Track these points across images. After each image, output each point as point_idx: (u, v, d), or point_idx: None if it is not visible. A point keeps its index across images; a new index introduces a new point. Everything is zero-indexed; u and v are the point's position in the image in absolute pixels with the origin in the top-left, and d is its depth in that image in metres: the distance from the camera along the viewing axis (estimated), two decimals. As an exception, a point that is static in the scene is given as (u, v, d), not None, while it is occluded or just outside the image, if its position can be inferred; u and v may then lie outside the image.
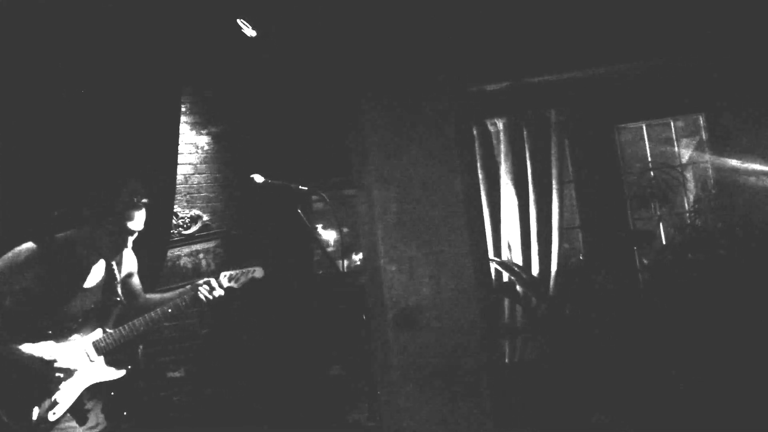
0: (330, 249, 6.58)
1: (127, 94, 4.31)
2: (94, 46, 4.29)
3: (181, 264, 5.26)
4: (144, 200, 2.66)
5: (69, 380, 2.62)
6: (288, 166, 5.57)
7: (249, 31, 4.97)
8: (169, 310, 2.81)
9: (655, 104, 5.27)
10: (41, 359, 2.53)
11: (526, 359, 4.51)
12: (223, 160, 5.66)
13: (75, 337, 2.66)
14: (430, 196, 2.73)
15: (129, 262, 2.92)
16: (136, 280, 2.96)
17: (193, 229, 5.37)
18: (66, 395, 2.60)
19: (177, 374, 4.83)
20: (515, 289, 4.65)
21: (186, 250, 5.32)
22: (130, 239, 2.65)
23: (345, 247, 5.97)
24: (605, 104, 5.31)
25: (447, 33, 2.99)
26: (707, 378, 3.96)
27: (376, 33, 3.03)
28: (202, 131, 5.57)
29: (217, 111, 5.63)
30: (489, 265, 4.62)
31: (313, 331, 5.51)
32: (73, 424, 2.61)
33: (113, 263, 2.78)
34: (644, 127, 5.50)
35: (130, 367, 2.75)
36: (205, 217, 5.46)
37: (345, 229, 6.31)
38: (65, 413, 2.60)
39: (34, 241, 2.56)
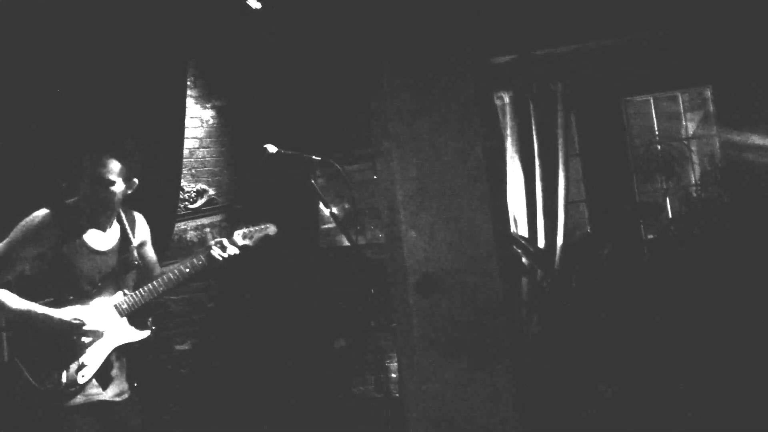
0: (329, 225, 6.59)
1: (133, 67, 4.29)
2: (101, 19, 4.26)
3: (188, 238, 5.28)
4: (114, 147, 2.67)
5: (95, 343, 2.65)
6: (291, 140, 5.55)
7: (254, 3, 4.94)
8: (186, 270, 2.83)
9: (662, 77, 5.23)
10: (67, 322, 2.56)
11: (531, 332, 4.55)
12: (228, 134, 5.65)
13: (96, 300, 2.68)
14: (450, 162, 2.73)
15: (142, 229, 2.94)
16: (150, 251, 2.98)
17: (199, 203, 5.38)
18: (93, 357, 2.64)
19: (184, 347, 4.87)
20: (521, 262, 4.67)
21: (192, 224, 5.33)
22: (117, 191, 2.66)
23: (350, 221, 5.97)
24: (612, 77, 5.28)
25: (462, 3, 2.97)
26: (711, 352, 3.99)
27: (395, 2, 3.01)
28: (207, 105, 5.55)
29: (221, 84, 5.60)
30: (510, 232, 4.63)
31: (318, 305, 5.54)
32: (99, 390, 2.64)
33: (127, 227, 2.80)
34: (651, 100, 5.47)
35: (154, 327, 2.78)
36: (211, 191, 5.46)
37: (347, 205, 6.31)
38: (93, 376, 2.63)
39: (47, 207, 2.60)
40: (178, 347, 4.83)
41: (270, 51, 5.60)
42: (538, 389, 3.60)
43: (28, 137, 4.16)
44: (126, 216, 2.84)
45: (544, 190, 5.07)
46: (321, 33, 5.26)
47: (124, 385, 2.77)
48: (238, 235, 3.01)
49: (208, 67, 5.50)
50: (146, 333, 2.80)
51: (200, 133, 5.52)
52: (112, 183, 2.64)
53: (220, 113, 5.62)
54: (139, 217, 2.93)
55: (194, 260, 2.86)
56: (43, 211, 2.60)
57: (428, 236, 2.68)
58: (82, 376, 2.60)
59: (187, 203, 5.32)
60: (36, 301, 2.58)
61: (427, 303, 2.70)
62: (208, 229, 5.38)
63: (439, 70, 2.89)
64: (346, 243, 6.18)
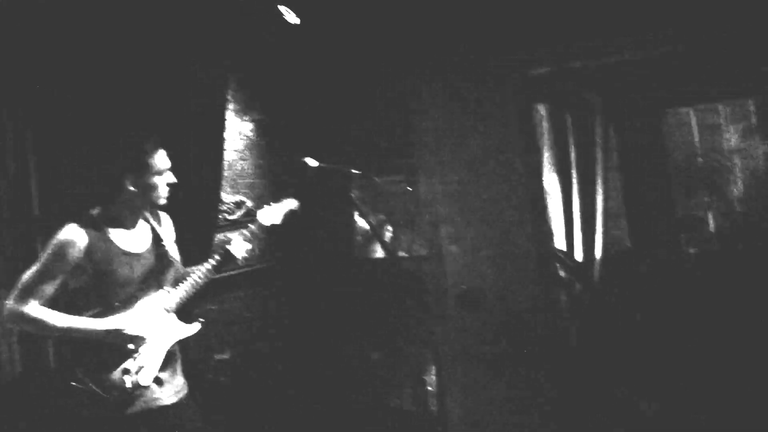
0: (363, 235, 6.61)
1: (176, 80, 4.38)
2: (141, 33, 4.37)
3: (211, 251, 5.34)
4: (154, 139, 2.74)
5: (149, 344, 2.70)
6: (326, 151, 5.60)
7: (292, 18, 5.00)
8: (217, 256, 2.87)
9: (703, 89, 5.16)
10: (113, 331, 2.61)
11: (569, 346, 4.50)
12: (266, 146, 5.72)
13: (141, 302, 2.73)
14: (492, 179, 2.74)
15: (169, 228, 2.98)
16: (174, 252, 3.00)
17: (238, 214, 5.45)
18: (151, 358, 2.69)
19: (224, 356, 4.92)
20: (558, 275, 4.64)
21: (230, 235, 5.40)
22: (163, 184, 2.72)
23: (385, 232, 5.99)
24: (651, 89, 5.23)
25: (501, 15, 2.98)
26: (758, 372, 3.90)
27: (432, 15, 3.03)
28: (245, 118, 5.63)
29: (260, 97, 5.68)
30: (552, 247, 4.61)
31: (354, 316, 5.56)
32: (159, 393, 2.70)
33: (156, 227, 2.86)
34: (692, 113, 5.41)
35: (203, 320, 2.83)
36: (249, 203, 5.53)
37: (381, 216, 6.32)
38: (154, 377, 2.69)
39: (73, 221, 2.65)
40: (217, 356, 4.89)
41: (307, 64, 5.67)
42: (577, 404, 3.56)
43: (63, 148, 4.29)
44: (152, 216, 2.89)
45: (581, 203, 5.03)
46: (359, 47, 5.31)
47: (180, 380, 2.82)
48: (262, 215, 3.03)
49: (248, 81, 5.59)
50: (197, 326, 2.85)
51: (239, 145, 5.60)
52: (170, 173, 2.74)
53: (258, 126, 5.70)
54: (165, 216, 2.97)
55: (224, 245, 2.92)
56: (69, 226, 2.64)
57: (470, 252, 2.68)
58: (145, 378, 2.65)
59: (225, 214, 5.40)
60: (84, 312, 2.63)
61: (468, 317, 2.70)
62: (245, 237, 5.44)
63: (480, 84, 2.90)
64: (380, 254, 6.22)
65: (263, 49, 5.43)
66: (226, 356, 4.97)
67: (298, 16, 4.93)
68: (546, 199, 5.01)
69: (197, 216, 3.05)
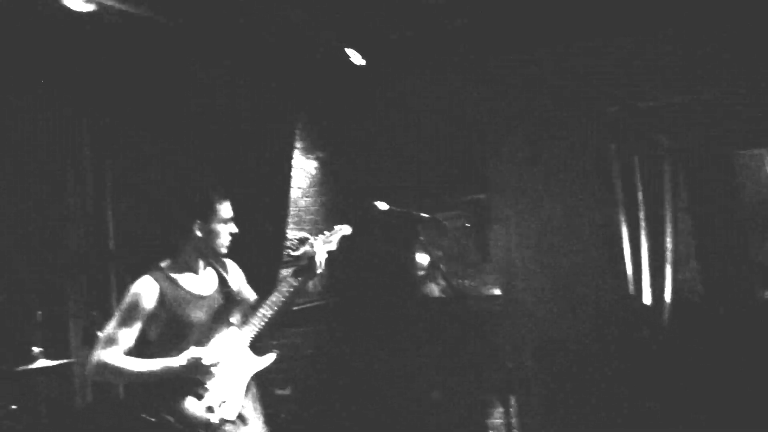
0: (422, 272, 6.60)
1: (246, 122, 4.53)
2: (216, 79, 4.54)
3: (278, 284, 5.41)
4: (221, 191, 2.84)
5: (227, 377, 2.78)
6: (386, 189, 5.65)
7: (357, 60, 5.11)
8: (285, 289, 2.97)
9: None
10: (194, 359, 2.68)
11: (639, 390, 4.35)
12: (330, 185, 5.82)
13: (213, 340, 2.82)
14: (568, 226, 2.71)
15: (236, 273, 3.09)
16: (249, 292, 3.11)
17: (301, 250, 5.51)
18: (231, 393, 2.77)
19: (284, 392, 4.96)
20: (629, 320, 4.51)
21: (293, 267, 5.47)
22: (226, 233, 2.82)
23: (445, 272, 5.96)
24: (722, 130, 5.10)
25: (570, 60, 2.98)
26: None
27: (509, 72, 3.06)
28: (311, 156, 5.75)
29: (324, 136, 5.79)
30: (628, 298, 4.50)
31: (415, 355, 5.52)
32: (241, 424, 2.76)
33: (222, 270, 2.97)
34: (766, 154, 5.24)
35: (277, 351, 2.88)
36: (313, 239, 5.60)
37: (441, 254, 6.30)
38: (237, 410, 2.76)
39: (146, 272, 2.81)
40: (278, 392, 4.92)
41: (374, 103, 5.77)
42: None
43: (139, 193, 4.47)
44: (217, 261, 3.00)
45: (650, 245, 4.90)
46: (423, 91, 5.38)
47: (258, 414, 2.88)
48: (317, 243, 3.11)
49: (313, 120, 5.72)
50: (272, 356, 2.93)
51: (303, 183, 5.71)
52: (233, 224, 2.86)
53: (323, 164, 5.81)
54: (230, 262, 3.08)
55: (290, 279, 3.02)
56: (142, 278, 2.79)
57: (543, 297, 2.65)
58: (230, 412, 2.72)
59: (290, 250, 5.47)
60: (161, 356, 2.72)
61: (546, 367, 2.66)
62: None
63: (556, 139, 2.90)
64: (437, 293, 6.19)
65: (328, 90, 5.56)
66: (286, 392, 5.00)
67: (364, 58, 5.05)
68: (620, 243, 4.91)
69: (263, 252, 3.14)
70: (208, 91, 4.47)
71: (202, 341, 2.78)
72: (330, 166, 5.83)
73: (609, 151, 5.14)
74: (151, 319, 2.74)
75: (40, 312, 3.81)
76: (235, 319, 2.93)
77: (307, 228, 5.62)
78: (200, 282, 2.89)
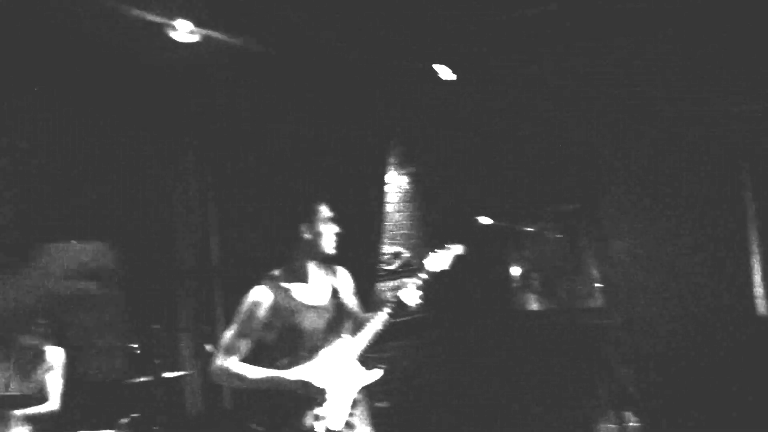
0: (518, 284, 6.51)
1: (340, 139, 4.67)
2: (310, 97, 4.70)
3: (385, 299, 5.48)
4: (320, 193, 2.91)
5: (336, 390, 2.84)
6: (476, 201, 5.63)
7: (447, 75, 5.15)
8: (393, 303, 2.99)
9: None
10: (300, 381, 2.79)
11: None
12: (423, 199, 5.87)
13: (324, 351, 2.89)
14: (691, 242, 2.64)
15: (345, 280, 3.13)
16: (354, 301, 3.15)
17: (395, 264, 5.59)
18: (339, 405, 2.84)
19: (383, 405, 5.00)
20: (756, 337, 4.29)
21: (389, 285, 5.55)
22: (330, 233, 2.90)
23: (541, 284, 5.87)
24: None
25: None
26: None
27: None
28: (402, 171, 5.83)
29: (416, 150, 5.86)
30: (756, 315, 4.24)
31: (515, 368, 5.46)
32: None
33: (333, 279, 3.03)
34: None
35: (384, 366, 2.94)
36: (406, 253, 5.67)
37: (536, 265, 6.20)
38: (344, 422, 2.83)
39: (261, 282, 2.91)
40: (377, 404, 4.98)
41: (466, 117, 5.79)
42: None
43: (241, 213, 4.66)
44: (329, 270, 3.07)
45: (762, 257, 4.64)
46: (515, 103, 5.35)
47: (367, 429, 2.95)
48: (429, 262, 3.12)
49: (405, 135, 5.80)
50: (379, 372, 2.97)
51: (396, 197, 5.79)
52: (334, 224, 2.95)
53: (415, 178, 5.87)
54: (341, 269, 3.13)
55: (397, 293, 3.00)
56: (257, 288, 2.90)
57: (662, 313, 2.57)
58: (336, 423, 2.80)
59: (384, 265, 5.56)
60: (275, 363, 2.84)
61: (665, 382, 2.57)
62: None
63: (676, 137, 2.81)
64: (534, 305, 6.08)
65: (419, 104, 5.63)
66: (385, 405, 5.05)
67: (454, 72, 5.09)
68: (749, 258, 4.68)
69: (358, 267, 3.21)
70: (304, 108, 4.64)
71: (314, 350, 2.86)
72: (422, 180, 5.88)
73: (738, 163, 4.91)
74: (266, 327, 2.85)
75: (157, 326, 4.05)
76: (345, 330, 2.98)
77: (401, 242, 5.68)
78: (312, 291, 2.96)
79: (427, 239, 5.75)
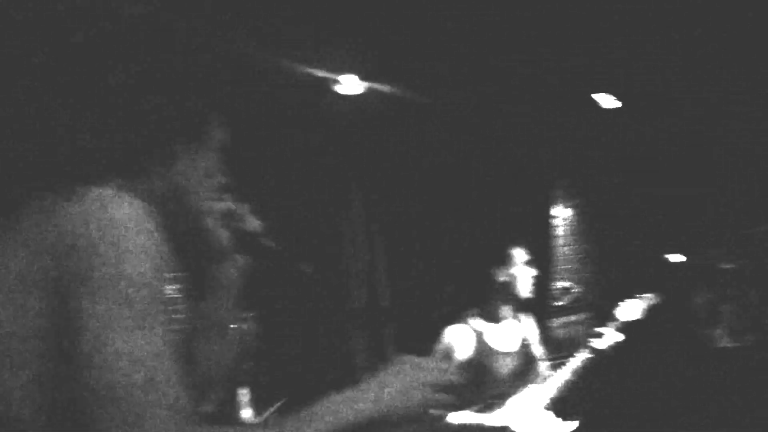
0: (706, 319, 6.05)
1: (501, 176, 4.66)
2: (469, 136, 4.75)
3: (555, 336, 5.34)
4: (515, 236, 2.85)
5: None
6: (650, 236, 5.34)
7: (609, 103, 4.98)
8: (587, 351, 2.90)
9: None
10: (505, 428, 2.75)
11: None
12: (590, 231, 5.67)
13: (512, 399, 2.85)
14: None
15: (532, 327, 3.11)
16: (537, 349, 3.09)
17: (565, 300, 5.43)
18: None
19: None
20: None
21: (558, 321, 5.40)
22: (525, 277, 2.86)
23: (734, 319, 5.42)
24: None
25: None
26: None
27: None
28: (568, 203, 5.68)
29: (580, 182, 5.70)
30: None
31: (704, 409, 5.06)
32: None
33: (522, 326, 3.00)
34: None
35: (580, 418, 2.85)
36: (576, 289, 5.49)
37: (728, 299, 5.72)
38: None
39: (457, 322, 2.95)
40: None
41: (625, 147, 5.56)
42: None
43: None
44: (518, 315, 3.04)
45: None
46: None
47: None
48: (621, 312, 2.98)
49: (567, 168, 5.66)
50: (573, 424, 2.87)
51: (561, 231, 5.64)
52: (529, 267, 2.95)
53: (581, 211, 5.69)
54: (527, 316, 3.11)
55: (589, 344, 2.91)
56: (455, 327, 2.92)
57: None
58: None
59: (552, 300, 5.42)
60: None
61: None
62: (573, 327, 5.38)
63: None
64: (725, 342, 5.60)
65: (579, 135, 5.49)
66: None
67: (618, 100, 4.92)
68: None
69: (534, 302, 3.15)
70: (465, 151, 4.70)
71: (500, 397, 2.83)
72: (589, 212, 5.70)
73: None
74: (460, 366, 2.83)
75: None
76: (534, 378, 2.93)
77: (569, 276, 5.52)
78: (504, 336, 2.94)
79: (598, 275, 5.54)
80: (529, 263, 2.94)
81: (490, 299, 2.93)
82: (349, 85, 4.19)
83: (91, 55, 0.95)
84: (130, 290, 0.82)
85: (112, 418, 0.77)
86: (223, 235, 1.16)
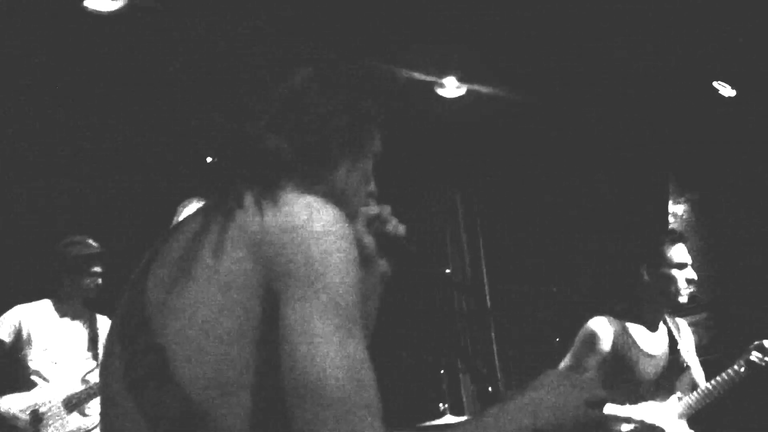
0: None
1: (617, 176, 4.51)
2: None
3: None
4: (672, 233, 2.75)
5: None
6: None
7: (727, 92, 4.72)
8: (726, 377, 2.72)
9: None
10: (641, 422, 2.63)
11: None
12: (705, 228, 5.39)
13: (648, 404, 2.70)
14: None
15: (687, 334, 2.92)
16: (694, 358, 2.90)
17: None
18: None
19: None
20: None
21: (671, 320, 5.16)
22: (682, 279, 2.71)
23: None
24: None
25: None
26: None
27: None
28: (680, 199, 5.42)
29: (694, 177, 5.43)
30: None
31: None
32: None
33: (674, 331, 2.83)
34: None
35: None
36: (692, 289, 5.23)
37: None
38: None
39: (603, 313, 2.75)
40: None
41: (745, 137, 5.25)
42: None
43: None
44: (671, 321, 2.86)
45: None
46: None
47: None
48: None
49: (680, 161, 5.41)
50: None
51: (674, 227, 5.39)
52: (690, 269, 2.76)
53: (694, 207, 5.42)
54: (683, 322, 2.92)
55: (736, 367, 2.72)
56: (598, 319, 2.71)
57: None
58: None
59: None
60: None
61: None
62: (691, 328, 5.13)
63: None
64: None
65: (696, 126, 5.24)
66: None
67: (734, 88, 4.66)
68: None
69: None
70: (576, 149, 4.57)
71: (636, 401, 2.68)
72: (703, 208, 5.42)
73: None
74: (602, 362, 2.66)
75: (442, 371, 4.19)
76: (678, 387, 2.78)
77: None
78: (650, 338, 2.74)
79: (713, 271, 5.25)
80: (682, 264, 2.72)
81: (639, 297, 2.72)
82: (451, 87, 4.16)
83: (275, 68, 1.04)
84: (339, 295, 0.82)
85: (324, 421, 0.77)
86: (370, 240, 1.15)
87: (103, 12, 2.99)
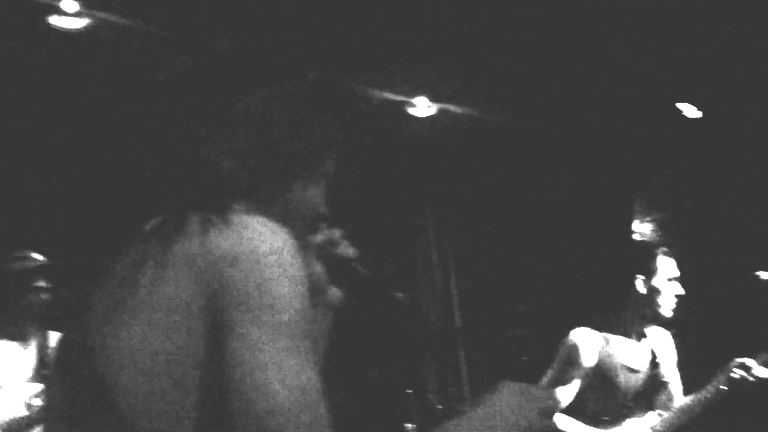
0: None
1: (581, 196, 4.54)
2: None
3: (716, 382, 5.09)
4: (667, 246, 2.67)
5: None
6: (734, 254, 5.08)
7: (692, 113, 4.79)
8: (708, 395, 2.62)
9: None
10: None
11: None
12: (670, 247, 5.46)
13: (629, 420, 2.66)
14: None
15: (669, 347, 2.84)
16: (675, 372, 2.83)
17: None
18: None
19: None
20: None
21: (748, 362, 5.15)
22: (670, 293, 2.66)
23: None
24: None
25: None
26: None
27: None
28: (646, 219, 5.49)
29: (663, 195, 5.51)
30: None
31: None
32: None
33: (655, 345, 2.75)
34: None
35: None
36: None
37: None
38: None
39: (584, 324, 2.70)
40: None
41: (709, 157, 5.34)
42: None
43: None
44: (654, 333, 2.78)
45: None
46: None
47: None
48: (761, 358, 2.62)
49: (651, 180, 5.48)
50: None
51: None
52: (678, 284, 2.69)
53: (660, 226, 5.49)
54: (666, 335, 2.83)
55: (715, 383, 2.62)
56: (579, 330, 2.66)
57: None
58: None
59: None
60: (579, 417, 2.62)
61: None
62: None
63: None
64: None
65: (664, 147, 5.32)
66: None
67: (700, 109, 4.75)
68: None
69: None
70: (542, 167, 4.60)
71: (616, 417, 2.64)
72: (668, 228, 5.49)
73: None
74: (584, 376, 2.60)
75: (410, 390, 4.14)
76: (657, 403, 2.71)
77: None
78: (633, 352, 2.67)
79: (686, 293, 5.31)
80: (673, 278, 2.67)
81: (625, 309, 2.66)
82: (422, 106, 4.17)
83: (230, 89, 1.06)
84: (285, 322, 0.81)
85: None
86: (319, 270, 1.14)
87: (69, 29, 2.95)
